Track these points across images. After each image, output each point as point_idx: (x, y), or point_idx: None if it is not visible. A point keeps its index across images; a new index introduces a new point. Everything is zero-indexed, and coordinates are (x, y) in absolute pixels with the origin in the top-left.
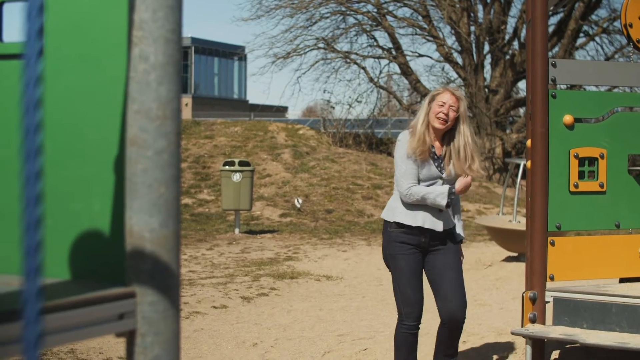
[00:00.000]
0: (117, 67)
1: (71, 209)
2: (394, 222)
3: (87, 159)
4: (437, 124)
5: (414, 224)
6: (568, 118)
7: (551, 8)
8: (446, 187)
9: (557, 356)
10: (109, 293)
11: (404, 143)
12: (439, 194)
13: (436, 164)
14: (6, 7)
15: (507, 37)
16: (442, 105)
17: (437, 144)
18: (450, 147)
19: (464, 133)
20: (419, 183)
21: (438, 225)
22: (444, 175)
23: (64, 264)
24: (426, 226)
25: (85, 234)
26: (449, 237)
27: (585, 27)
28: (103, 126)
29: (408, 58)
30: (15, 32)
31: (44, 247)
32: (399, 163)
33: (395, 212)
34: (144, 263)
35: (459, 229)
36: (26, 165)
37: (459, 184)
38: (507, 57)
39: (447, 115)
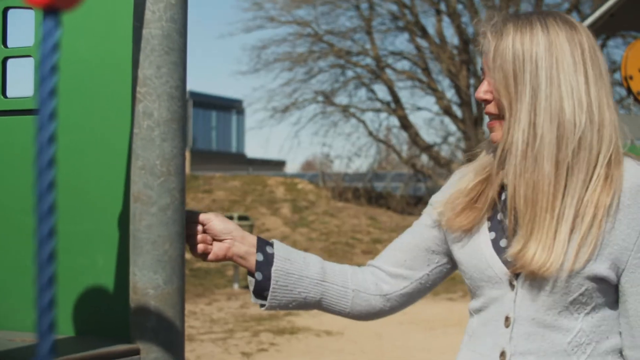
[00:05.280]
0: (121, 123)
1: (75, 265)
2: None
3: (91, 214)
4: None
5: None
6: None
7: None
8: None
9: None
10: (113, 350)
11: (447, 186)
12: None
13: (498, 244)
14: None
15: None
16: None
17: None
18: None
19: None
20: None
21: None
22: (519, 280)
23: (68, 320)
24: None
25: (89, 290)
26: None
27: None
28: (107, 182)
29: (407, 111)
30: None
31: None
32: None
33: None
34: (148, 320)
35: None
36: (40, 225)
37: None
38: None
39: (482, 99)
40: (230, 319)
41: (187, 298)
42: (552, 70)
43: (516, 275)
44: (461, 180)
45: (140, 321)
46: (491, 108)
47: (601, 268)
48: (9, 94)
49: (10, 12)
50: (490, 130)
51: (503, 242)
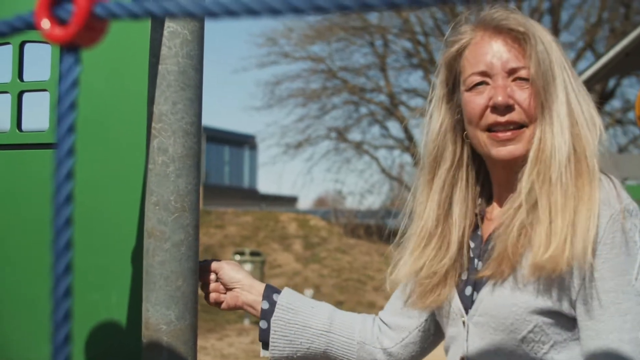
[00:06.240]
0: (136, 159)
1: (88, 300)
2: None
3: (105, 249)
4: (497, 152)
5: None
6: None
7: None
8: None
9: None
10: None
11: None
12: None
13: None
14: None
15: None
16: (481, 84)
17: (492, 216)
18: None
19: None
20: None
21: None
22: (468, 317)
23: (81, 355)
24: None
25: (103, 325)
26: None
27: None
28: (121, 217)
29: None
30: (31, 118)
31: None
32: None
33: None
34: (161, 355)
35: None
36: (56, 262)
37: None
38: None
39: (506, 105)
40: (240, 355)
41: (198, 333)
42: (569, 68)
43: (467, 311)
44: (414, 264)
45: (152, 357)
46: (516, 116)
47: (549, 300)
48: (24, 127)
49: (27, 46)
50: (505, 144)
51: (464, 275)
